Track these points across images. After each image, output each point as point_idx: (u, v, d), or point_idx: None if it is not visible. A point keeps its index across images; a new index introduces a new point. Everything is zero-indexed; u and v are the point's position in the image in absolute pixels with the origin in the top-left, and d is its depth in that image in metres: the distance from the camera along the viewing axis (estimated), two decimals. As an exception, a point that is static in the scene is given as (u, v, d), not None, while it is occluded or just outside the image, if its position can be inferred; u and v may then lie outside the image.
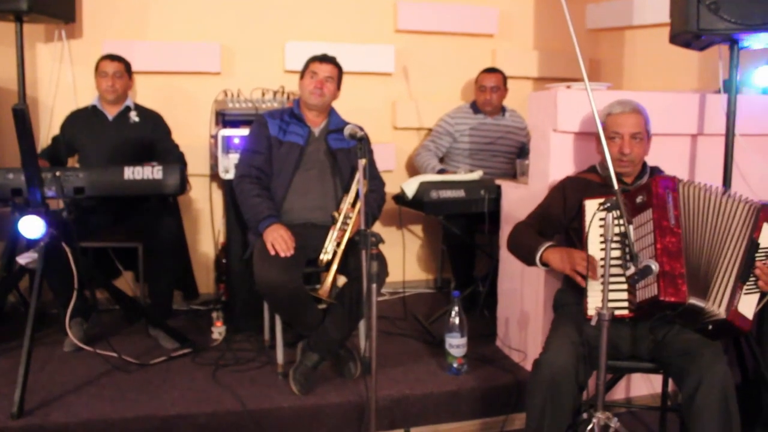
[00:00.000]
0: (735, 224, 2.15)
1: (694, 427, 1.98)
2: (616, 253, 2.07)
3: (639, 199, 2.19)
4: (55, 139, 3.47)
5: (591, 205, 2.23)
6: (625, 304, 2.13)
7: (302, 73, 2.99)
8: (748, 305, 2.10)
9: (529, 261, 2.37)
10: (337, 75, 2.98)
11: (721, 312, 2.06)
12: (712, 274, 2.11)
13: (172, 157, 3.38)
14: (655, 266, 1.94)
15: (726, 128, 2.64)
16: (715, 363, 1.99)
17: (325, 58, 2.96)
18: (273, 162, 2.91)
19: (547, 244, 2.31)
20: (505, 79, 4.01)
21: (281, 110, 3.04)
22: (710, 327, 2.11)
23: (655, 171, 2.46)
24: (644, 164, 2.44)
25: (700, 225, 2.16)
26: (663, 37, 2.77)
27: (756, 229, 2.13)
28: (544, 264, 2.30)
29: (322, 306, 2.77)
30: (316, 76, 2.92)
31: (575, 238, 2.38)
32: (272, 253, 2.64)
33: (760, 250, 2.12)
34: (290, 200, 2.90)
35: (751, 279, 2.11)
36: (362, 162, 2.26)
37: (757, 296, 2.12)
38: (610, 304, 1.95)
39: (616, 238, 1.98)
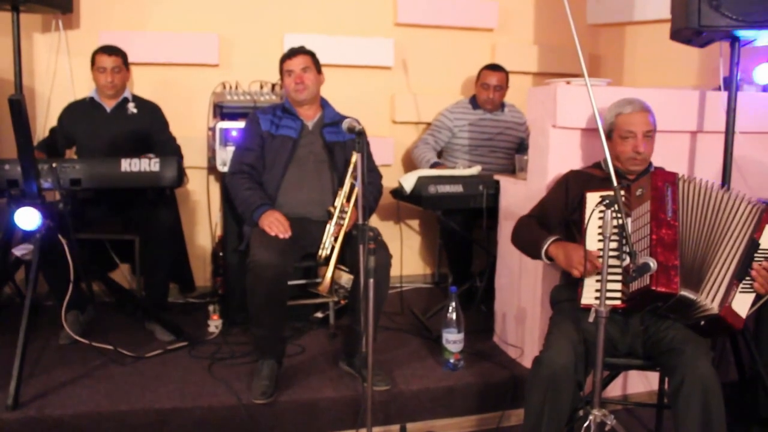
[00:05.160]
0: (736, 222, 2.15)
1: (678, 422, 1.99)
2: (613, 245, 2.06)
3: (638, 192, 2.20)
4: (52, 130, 3.45)
5: (592, 198, 2.24)
6: (618, 294, 2.13)
7: (281, 76, 3.00)
8: (742, 304, 2.10)
9: (534, 255, 2.38)
10: (311, 62, 2.97)
11: (714, 307, 2.07)
12: (707, 269, 2.12)
13: (168, 149, 3.36)
14: (653, 264, 1.94)
15: (726, 125, 2.63)
16: (698, 359, 2.00)
17: (292, 53, 2.96)
18: (266, 156, 2.90)
19: (552, 238, 2.31)
20: (508, 77, 3.99)
21: (273, 106, 3.03)
22: (702, 323, 2.12)
23: (658, 170, 2.46)
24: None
25: (699, 221, 2.17)
26: (664, 33, 2.76)
27: (758, 230, 2.13)
28: (550, 258, 2.30)
29: (320, 300, 2.76)
30: (293, 73, 2.92)
31: (575, 230, 2.38)
32: (271, 233, 2.63)
33: (759, 251, 2.13)
34: (284, 194, 2.89)
35: (748, 279, 2.11)
36: (358, 156, 2.24)
37: (752, 296, 2.12)
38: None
39: (614, 230, 1.97)
